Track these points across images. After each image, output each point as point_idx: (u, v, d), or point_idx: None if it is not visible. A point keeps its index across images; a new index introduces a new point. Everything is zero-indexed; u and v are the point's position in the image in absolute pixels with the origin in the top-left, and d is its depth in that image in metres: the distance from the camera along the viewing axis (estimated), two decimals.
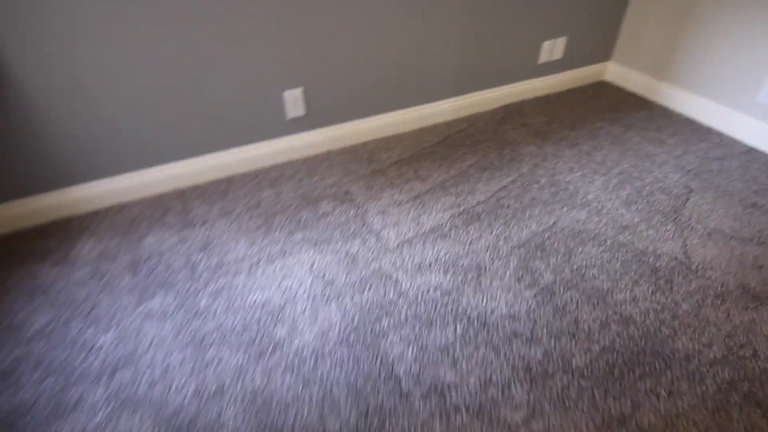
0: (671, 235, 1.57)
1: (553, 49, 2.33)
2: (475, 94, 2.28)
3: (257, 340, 1.25)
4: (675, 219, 1.64)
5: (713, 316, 1.30)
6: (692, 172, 1.88)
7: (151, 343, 1.25)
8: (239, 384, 1.15)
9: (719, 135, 2.11)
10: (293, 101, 1.86)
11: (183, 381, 1.15)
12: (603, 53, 2.55)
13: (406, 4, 1.83)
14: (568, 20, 2.29)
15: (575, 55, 2.45)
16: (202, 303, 1.36)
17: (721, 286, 1.38)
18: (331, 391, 1.13)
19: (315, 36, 1.74)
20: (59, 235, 1.61)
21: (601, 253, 1.51)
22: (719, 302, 1.34)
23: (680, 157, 1.97)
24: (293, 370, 1.18)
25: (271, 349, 1.23)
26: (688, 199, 1.73)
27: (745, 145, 2.03)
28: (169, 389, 1.14)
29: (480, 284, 1.40)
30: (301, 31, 1.71)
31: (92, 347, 1.24)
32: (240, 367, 1.18)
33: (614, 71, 2.59)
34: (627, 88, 2.54)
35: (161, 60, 1.55)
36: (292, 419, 1.07)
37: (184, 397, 1.12)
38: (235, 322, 1.30)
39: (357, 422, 1.07)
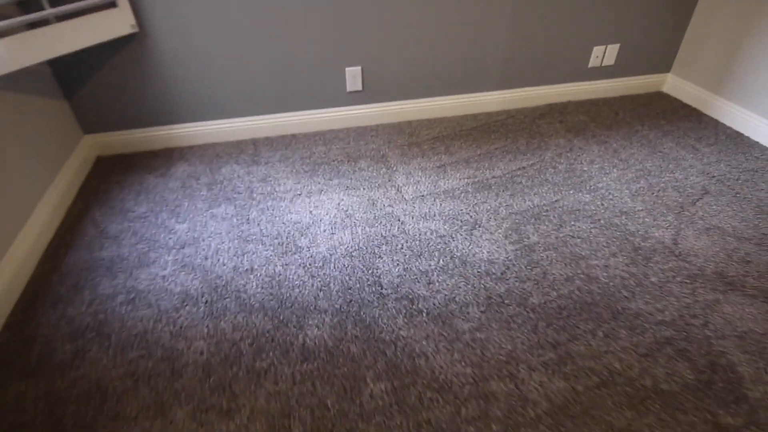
0: (667, 225, 1.67)
1: (604, 54, 2.45)
2: (520, 90, 2.48)
3: (284, 244, 1.62)
4: (678, 213, 1.73)
5: (677, 291, 1.41)
6: (716, 178, 1.92)
7: (211, 234, 1.67)
8: (264, 269, 1.52)
9: (763, 150, 2.10)
10: (353, 77, 2.23)
11: (226, 260, 1.56)
12: (662, 64, 2.60)
13: None
14: (622, 28, 2.40)
15: (629, 64, 2.54)
16: (252, 215, 1.77)
17: (698, 270, 1.48)
18: (328, 284, 1.46)
19: (375, 21, 2.10)
20: (163, 158, 2.14)
21: (591, 228, 1.66)
22: (689, 281, 1.44)
23: (710, 164, 2.01)
24: (305, 267, 1.52)
25: (293, 251, 1.59)
26: (700, 199, 1.80)
27: None
28: (216, 263, 1.55)
29: (471, 235, 1.64)
30: (363, 16, 2.07)
31: (171, 230, 1.70)
32: (267, 259, 1.56)
33: (672, 83, 2.62)
34: (682, 100, 2.56)
35: (255, 38, 2.00)
36: (294, 296, 1.42)
37: (225, 270, 1.52)
38: (272, 230, 1.69)
39: (341, 306, 1.38)
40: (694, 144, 2.16)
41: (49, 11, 1.54)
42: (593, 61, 2.47)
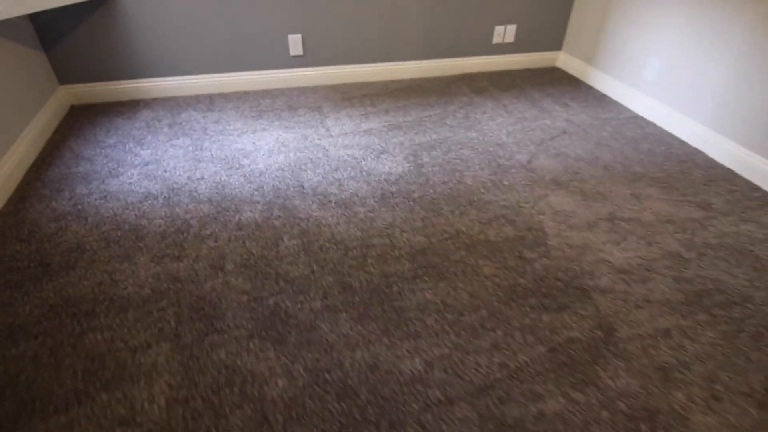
0: (527, 152, 2.19)
1: (504, 33, 2.99)
2: (437, 60, 2.99)
3: (230, 163, 2.05)
4: (538, 144, 2.26)
5: (520, 189, 1.92)
6: (575, 123, 2.47)
7: (170, 157, 2.08)
8: (212, 178, 1.94)
9: (618, 105, 2.67)
10: (295, 43, 2.67)
11: (182, 173, 1.97)
12: (554, 43, 3.16)
13: None
14: (518, 11, 2.94)
15: (527, 42, 3.09)
16: (205, 144, 2.18)
17: (539, 178, 2.00)
18: (261, 187, 1.89)
19: (316, 4, 2.55)
20: (130, 107, 2.52)
21: (470, 154, 2.16)
22: (530, 184, 1.96)
23: (575, 115, 2.56)
24: (245, 177, 1.95)
25: (236, 167, 2.02)
26: (558, 136, 2.33)
27: (632, 113, 2.58)
28: (173, 175, 1.96)
29: (379, 158, 2.11)
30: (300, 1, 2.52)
31: (137, 155, 2.10)
32: (215, 172, 1.98)
33: (563, 59, 3.18)
34: (569, 72, 3.13)
35: (209, 4, 2.42)
36: (234, 194, 1.85)
37: (180, 178, 1.93)
38: (221, 154, 2.11)
39: (270, 199, 1.82)
40: (567, 102, 2.71)
41: None
42: (496, 38, 3.00)
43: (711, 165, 2.13)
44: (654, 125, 2.47)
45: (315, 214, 1.75)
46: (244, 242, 1.60)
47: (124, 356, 1.21)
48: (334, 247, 1.59)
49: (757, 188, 1.98)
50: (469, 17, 2.87)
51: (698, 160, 2.18)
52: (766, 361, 1.24)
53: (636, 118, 2.55)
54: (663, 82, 2.43)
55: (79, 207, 1.76)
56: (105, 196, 1.82)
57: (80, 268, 1.49)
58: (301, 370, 1.19)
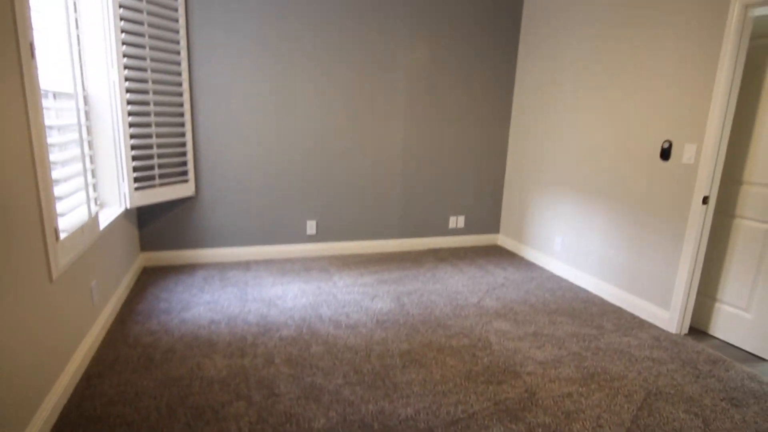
0: (477, 296, 3.12)
1: (457, 221, 4.25)
2: (410, 239, 4.14)
3: (267, 303, 2.87)
4: (485, 292, 3.20)
5: (473, 318, 2.78)
6: (511, 280, 3.47)
7: (224, 299, 2.90)
8: (256, 311, 2.74)
9: (541, 268, 3.74)
10: (311, 226, 3.80)
11: (234, 308, 2.77)
12: (493, 227, 4.42)
13: (373, 181, 3.90)
14: (464, 205, 4.25)
15: (474, 226, 4.34)
16: (248, 291, 3.03)
17: (486, 312, 2.88)
18: (292, 317, 2.69)
19: (326, 196, 3.78)
20: (188, 268, 3.43)
21: (437, 298, 3.07)
22: (479, 315, 2.82)
23: (511, 274, 3.59)
24: (279, 311, 2.76)
25: (272, 305, 2.84)
26: (498, 287, 3.30)
27: (550, 273, 3.64)
28: (229, 309, 2.75)
29: (373, 300, 2.99)
30: (318, 195, 3.76)
31: (200, 297, 2.91)
32: (258, 308, 2.79)
33: (502, 239, 4.41)
34: (507, 247, 4.31)
35: (251, 204, 3.60)
36: (274, 321, 2.63)
37: (234, 311, 2.72)
38: (260, 297, 2.95)
39: (299, 324, 2.60)
40: (505, 266, 3.78)
41: (157, 181, 3.06)
42: (451, 224, 4.25)
43: (604, 303, 3.09)
44: (566, 280, 3.50)
45: (332, 332, 2.53)
46: (285, 347, 2.33)
47: (216, 407, 1.84)
48: (347, 350, 2.33)
49: (635, 317, 2.91)
50: (431, 209, 4.15)
51: (595, 300, 3.14)
52: (630, 409, 1.96)
53: (553, 276, 3.59)
54: (566, 251, 3.56)
55: (166, 328, 2.49)
56: (183, 321, 2.57)
57: (175, 361, 2.16)
58: (334, 415, 1.83)
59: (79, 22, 2.41)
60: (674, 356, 2.44)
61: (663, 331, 2.74)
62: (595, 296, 3.23)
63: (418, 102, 3.88)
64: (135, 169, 2.88)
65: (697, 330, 2.80)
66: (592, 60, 3.27)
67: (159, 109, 3.00)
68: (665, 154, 2.76)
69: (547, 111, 3.74)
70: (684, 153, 2.65)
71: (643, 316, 2.91)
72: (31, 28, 1.64)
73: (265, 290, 3.08)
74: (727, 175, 2.65)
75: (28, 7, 1.63)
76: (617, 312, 2.97)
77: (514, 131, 4.18)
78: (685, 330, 2.74)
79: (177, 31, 3.09)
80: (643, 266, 2.93)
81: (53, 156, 1.86)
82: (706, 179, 2.54)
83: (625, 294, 3.05)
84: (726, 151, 2.61)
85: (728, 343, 2.64)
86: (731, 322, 2.64)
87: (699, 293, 2.80)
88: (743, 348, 2.58)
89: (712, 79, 2.50)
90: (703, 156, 2.55)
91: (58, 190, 1.90)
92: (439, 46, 3.83)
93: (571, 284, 3.44)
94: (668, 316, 2.77)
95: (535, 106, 3.89)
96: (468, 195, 4.25)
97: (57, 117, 2.07)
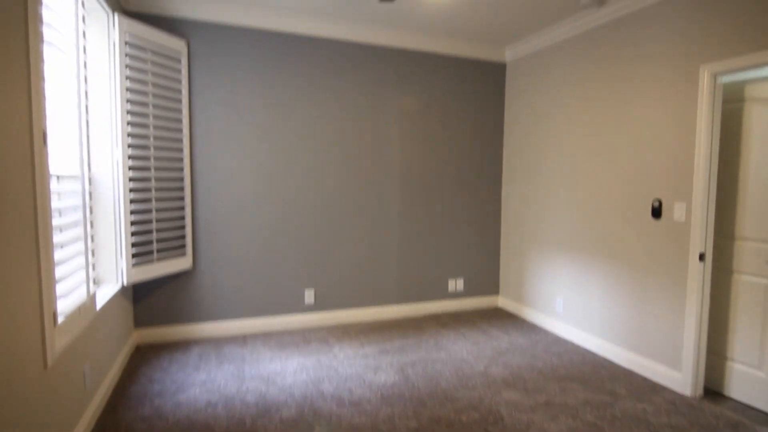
0: (483, 363, 3.02)
1: (456, 283, 4.22)
2: (409, 304, 4.08)
3: (265, 380, 2.75)
4: (491, 358, 3.11)
5: (481, 388, 2.67)
6: (516, 344, 3.39)
7: (221, 378, 2.78)
8: (255, 390, 2.62)
9: (545, 331, 3.67)
10: (309, 295, 3.74)
11: (231, 387, 2.64)
12: (493, 289, 4.39)
13: (370, 247, 3.90)
14: (462, 268, 4.25)
15: (473, 289, 4.30)
16: (245, 368, 2.91)
17: (494, 381, 2.77)
18: (293, 395, 2.57)
19: (324, 263, 3.77)
20: (182, 345, 3.31)
21: (442, 367, 2.97)
22: (487, 385, 2.72)
23: (515, 339, 3.51)
24: (278, 389, 2.64)
25: (270, 383, 2.72)
26: (504, 353, 3.21)
27: (555, 335, 3.56)
28: (226, 389, 2.63)
29: (376, 372, 2.88)
30: (316, 262, 3.75)
31: (196, 377, 2.79)
32: (256, 387, 2.67)
33: (502, 301, 4.36)
34: (508, 309, 4.25)
35: (249, 274, 3.57)
36: (273, 401, 2.50)
37: (231, 391, 2.60)
38: (258, 374, 2.83)
39: (300, 403, 2.48)
40: (509, 330, 3.71)
41: (155, 256, 3.04)
42: (451, 287, 4.21)
43: (613, 366, 3.00)
44: (571, 343, 3.43)
45: (335, 411, 2.41)
46: (286, 431, 2.20)
47: None
48: (343, 415, 2.21)
49: (647, 380, 2.82)
50: (430, 272, 4.13)
51: (604, 363, 3.05)
52: None
53: (558, 339, 3.52)
54: (568, 312, 3.52)
55: (160, 413, 2.36)
56: (177, 405, 2.44)
57: None
58: None
59: (89, 108, 2.52)
60: (693, 422, 2.34)
61: (677, 394, 2.65)
62: (603, 359, 3.14)
63: (412, 169, 4.00)
64: (134, 245, 2.87)
65: (712, 391, 2.71)
66: (575, 123, 3.44)
67: (160, 184, 3.06)
68: (656, 212, 2.83)
69: (536, 173, 3.87)
70: (675, 211, 2.73)
71: (655, 378, 2.83)
72: (45, 117, 1.71)
73: (263, 366, 2.96)
74: (719, 231, 2.71)
75: (44, 97, 1.71)
76: (628, 375, 2.89)
77: (507, 193, 4.29)
78: (700, 392, 2.66)
79: (180, 110, 3.23)
80: (649, 326, 2.89)
81: (56, 238, 1.86)
82: (700, 236, 2.59)
83: (633, 355, 2.98)
84: (715, 207, 2.69)
85: (745, 404, 2.55)
86: (746, 382, 2.57)
87: (709, 352, 2.75)
88: (761, 409, 2.49)
89: (692, 140, 2.63)
90: (693, 214, 2.62)
91: (58, 272, 1.87)
92: (430, 115, 4.02)
93: (577, 346, 3.37)
94: (681, 378, 2.69)
95: (523, 168, 4.03)
96: (466, 257, 4.26)
97: (59, 199, 2.09)
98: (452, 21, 3.50)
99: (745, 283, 2.58)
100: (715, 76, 2.54)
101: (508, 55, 4.18)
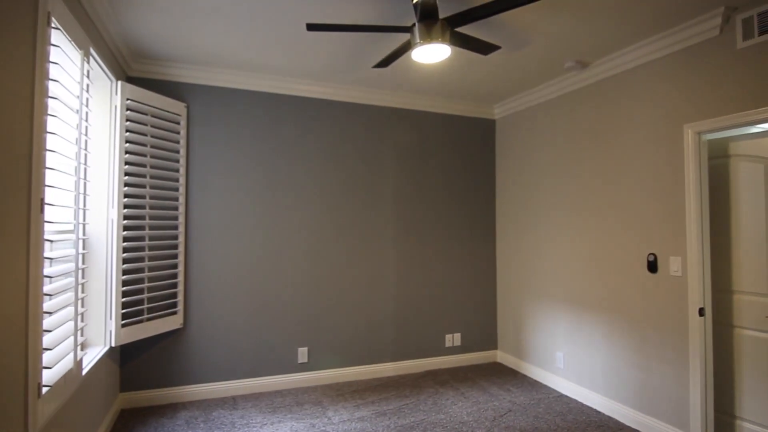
0: (485, 427, 2.90)
1: (453, 339, 4.13)
2: (406, 361, 3.96)
3: None
4: (492, 421, 2.98)
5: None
6: (517, 403, 3.27)
7: None
8: None
9: (546, 387, 3.56)
10: (302, 354, 3.63)
11: None
12: (491, 344, 4.29)
13: (365, 303, 3.83)
14: (459, 322, 4.17)
15: (471, 344, 4.21)
16: None
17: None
18: None
19: (318, 323, 3.69)
20: (170, 408, 3.16)
21: (442, 431, 2.84)
22: None
23: (516, 397, 3.39)
24: None
25: None
26: (505, 414, 3.09)
27: (558, 393, 3.45)
28: None
29: None
30: (310, 322, 3.67)
31: None
32: None
33: (501, 355, 4.25)
34: (507, 364, 4.14)
35: (240, 334, 3.48)
36: None
37: None
38: None
39: None
40: (509, 388, 3.59)
41: (145, 316, 2.97)
42: (448, 342, 4.11)
43: (620, 427, 2.89)
44: (574, 401, 3.32)
45: None
46: None
47: None
48: None
49: None
50: (426, 328, 4.05)
51: (610, 424, 2.94)
52: None
53: (561, 397, 3.41)
54: (569, 367, 3.43)
55: None
56: None
57: None
58: None
59: (87, 171, 2.55)
60: None
61: None
62: (609, 418, 3.03)
63: (407, 225, 4.03)
64: (124, 305, 2.81)
65: None
66: (566, 177, 3.52)
67: (154, 243, 3.04)
68: (652, 266, 2.84)
69: (530, 226, 3.90)
70: (670, 265, 2.74)
71: None
72: (44, 185, 1.73)
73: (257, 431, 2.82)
74: (717, 285, 2.71)
75: (44, 166, 1.73)
76: None
77: (501, 249, 4.30)
78: None
79: (177, 170, 3.28)
80: (652, 383, 2.82)
81: (45, 305, 1.82)
82: (698, 291, 2.58)
83: (639, 415, 2.87)
84: (711, 261, 2.70)
85: None
86: None
87: (716, 410, 2.66)
88: None
89: (682, 195, 2.69)
90: (689, 268, 2.63)
91: (46, 340, 1.82)
92: (424, 171, 4.11)
93: (581, 405, 3.25)
94: None
95: (517, 222, 4.07)
96: (462, 312, 4.20)
97: (51, 265, 2.07)
98: (442, 83, 3.66)
99: (747, 338, 2.55)
100: (699, 135, 2.64)
101: (497, 112, 4.35)
